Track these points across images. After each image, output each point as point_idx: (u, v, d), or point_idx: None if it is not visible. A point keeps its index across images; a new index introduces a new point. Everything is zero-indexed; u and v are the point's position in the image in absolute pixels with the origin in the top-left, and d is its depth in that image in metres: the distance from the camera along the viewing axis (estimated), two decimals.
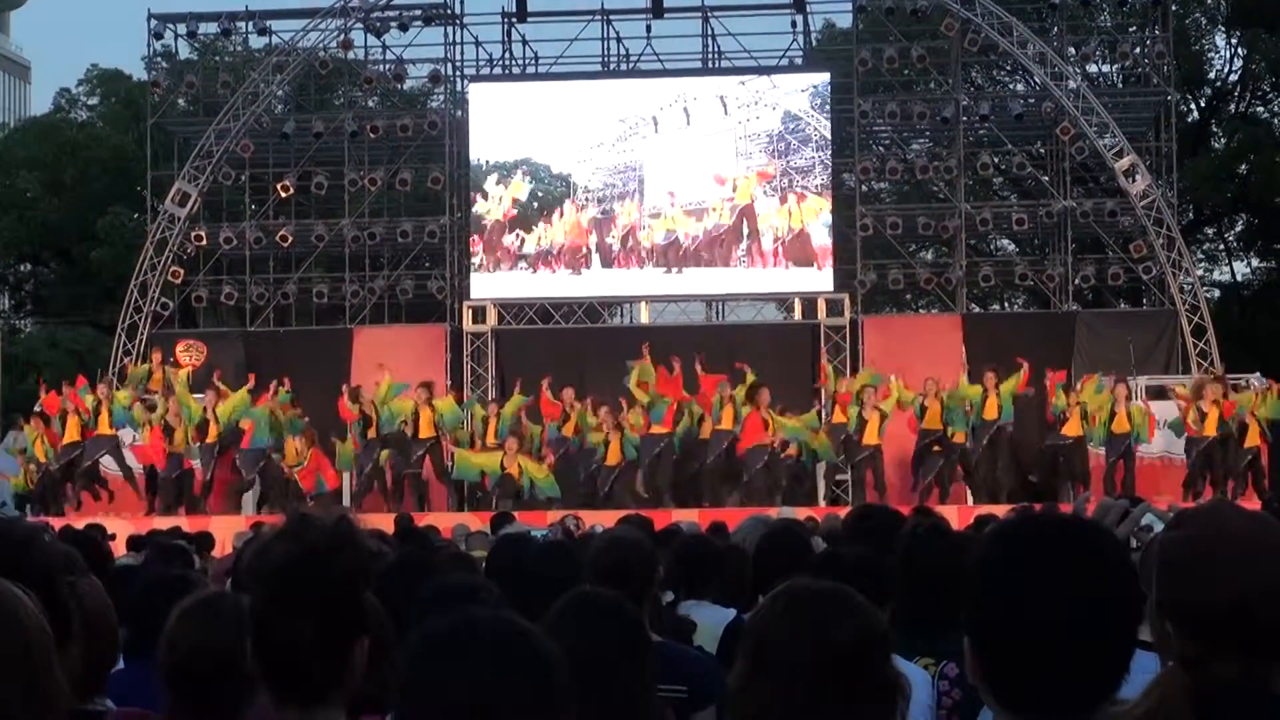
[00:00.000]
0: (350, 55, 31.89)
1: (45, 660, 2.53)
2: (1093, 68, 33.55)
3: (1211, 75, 43.71)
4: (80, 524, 14.92)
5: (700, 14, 31.81)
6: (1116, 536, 2.89)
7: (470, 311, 30.04)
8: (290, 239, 30.83)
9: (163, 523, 19.61)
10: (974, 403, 24.32)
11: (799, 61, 32.32)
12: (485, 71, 32.43)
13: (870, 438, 24.21)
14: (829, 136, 29.73)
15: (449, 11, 31.61)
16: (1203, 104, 43.64)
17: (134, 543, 13.97)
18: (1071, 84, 29.66)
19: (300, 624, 2.94)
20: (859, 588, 3.22)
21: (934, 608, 4.76)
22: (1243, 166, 40.64)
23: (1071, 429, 24.16)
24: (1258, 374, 25.78)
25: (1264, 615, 2.68)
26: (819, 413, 25.80)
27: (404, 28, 31.22)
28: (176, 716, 3.82)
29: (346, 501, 24.71)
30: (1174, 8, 33.61)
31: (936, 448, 24.48)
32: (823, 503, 24.66)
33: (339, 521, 3.04)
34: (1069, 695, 2.53)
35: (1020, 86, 36.41)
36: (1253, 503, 18.72)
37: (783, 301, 31.85)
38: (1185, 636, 2.75)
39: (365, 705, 3.19)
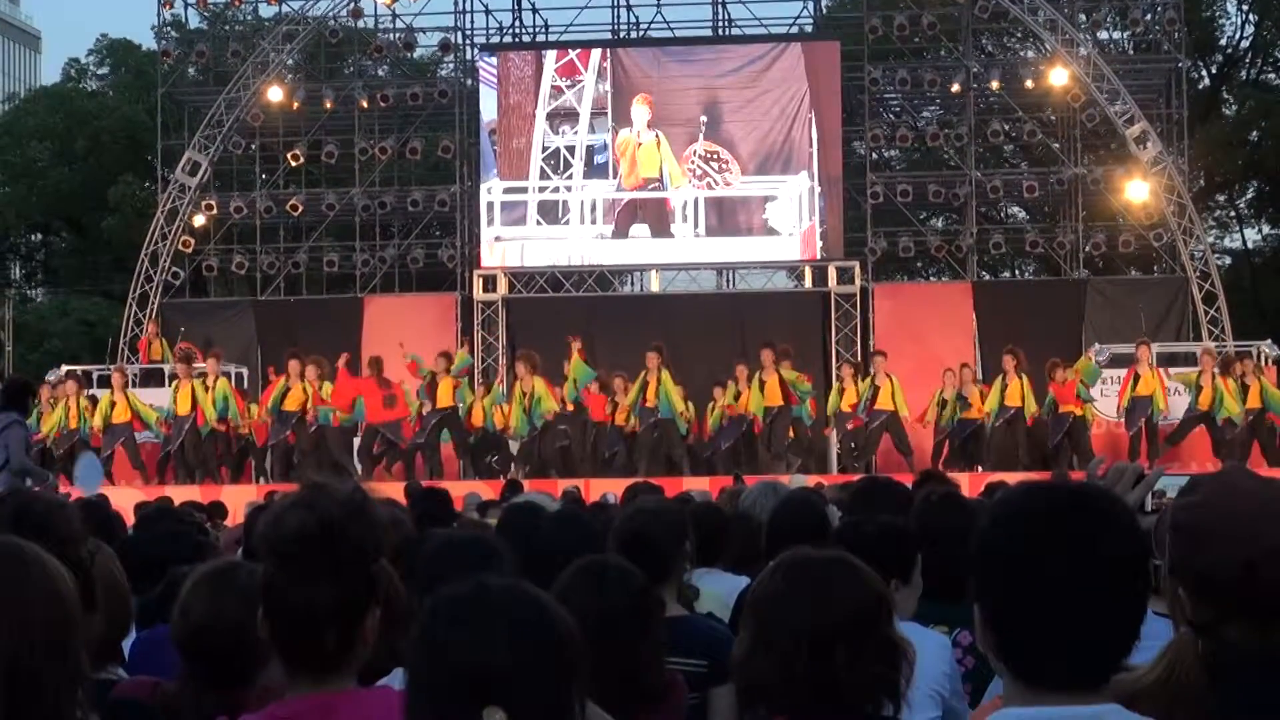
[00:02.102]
0: (360, 24, 31.79)
1: (80, 632, 2.55)
2: (1104, 34, 33.36)
3: (1223, 42, 43.59)
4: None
5: None
6: (1125, 502, 2.88)
7: (481, 280, 29.97)
8: (300, 208, 30.81)
9: (175, 492, 19.62)
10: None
11: (809, 29, 32.20)
12: (495, 40, 32.36)
13: (884, 403, 24.04)
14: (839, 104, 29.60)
15: None
16: (1214, 71, 43.49)
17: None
18: (1083, 51, 29.52)
19: (314, 593, 2.95)
20: (873, 558, 3.23)
21: (947, 576, 4.75)
22: (1254, 133, 40.55)
23: (1073, 404, 24.02)
24: (1269, 341, 25.69)
25: (1274, 579, 2.68)
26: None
27: None
28: (189, 684, 3.84)
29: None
30: None
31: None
32: (834, 470, 24.61)
33: (353, 491, 3.04)
34: (1079, 664, 2.52)
35: (1031, 53, 36.25)
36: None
37: (793, 269, 31.80)
38: (1197, 601, 2.76)
39: (376, 673, 3.20)
